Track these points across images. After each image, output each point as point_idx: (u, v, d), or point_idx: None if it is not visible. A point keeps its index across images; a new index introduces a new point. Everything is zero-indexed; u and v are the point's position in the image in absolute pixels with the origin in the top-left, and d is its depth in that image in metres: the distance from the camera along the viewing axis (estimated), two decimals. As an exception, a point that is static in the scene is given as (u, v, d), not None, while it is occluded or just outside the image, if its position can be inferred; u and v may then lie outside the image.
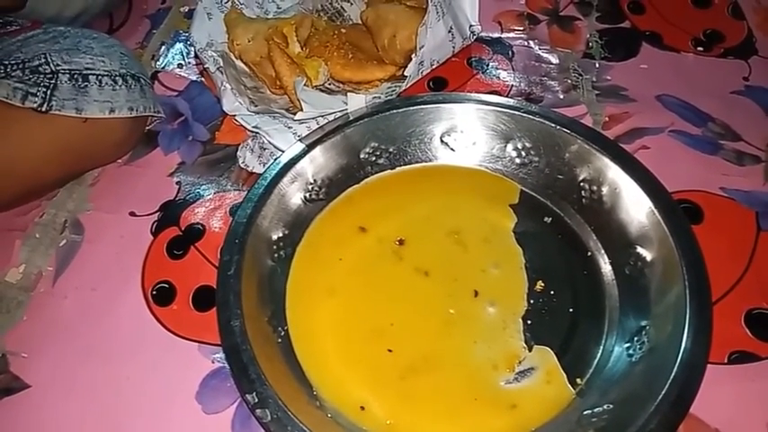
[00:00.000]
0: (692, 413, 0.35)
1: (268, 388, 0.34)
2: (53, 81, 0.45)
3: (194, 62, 0.59)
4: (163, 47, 0.61)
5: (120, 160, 0.52)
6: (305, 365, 0.38)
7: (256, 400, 0.33)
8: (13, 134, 0.44)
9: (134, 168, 0.52)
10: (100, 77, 0.47)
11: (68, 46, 0.48)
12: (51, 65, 0.45)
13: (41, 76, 0.45)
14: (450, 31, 0.52)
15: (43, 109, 0.44)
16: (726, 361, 0.38)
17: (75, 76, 0.46)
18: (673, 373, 0.33)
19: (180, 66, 0.59)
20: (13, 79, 0.44)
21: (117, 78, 0.48)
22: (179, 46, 0.61)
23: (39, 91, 0.44)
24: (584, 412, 0.35)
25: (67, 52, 0.47)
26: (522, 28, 0.60)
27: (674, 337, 0.34)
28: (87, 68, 0.47)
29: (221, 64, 0.54)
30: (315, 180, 0.45)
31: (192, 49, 0.59)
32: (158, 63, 0.60)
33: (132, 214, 0.48)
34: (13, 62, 0.45)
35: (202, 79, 0.58)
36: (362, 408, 0.36)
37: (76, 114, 0.45)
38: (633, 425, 0.32)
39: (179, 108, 0.56)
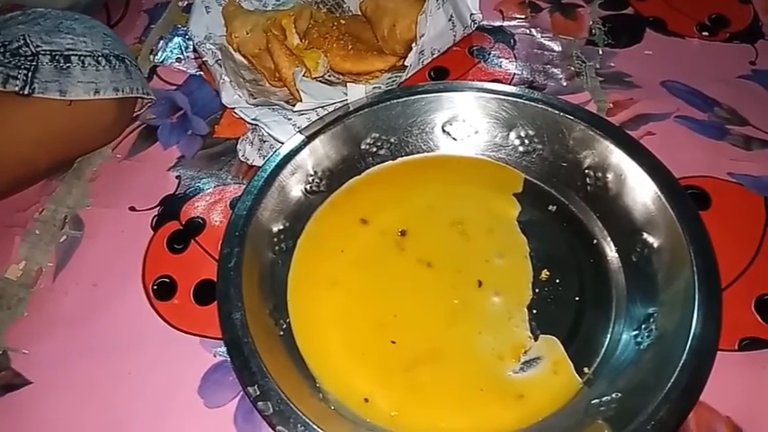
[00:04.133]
0: (703, 401, 0.34)
1: (270, 380, 0.33)
2: (34, 63, 0.44)
3: (193, 56, 0.59)
4: (161, 41, 0.61)
5: (119, 155, 0.52)
6: (307, 358, 0.38)
7: (258, 393, 0.33)
8: None
9: (133, 163, 0.51)
10: (82, 58, 0.46)
11: (49, 27, 0.47)
12: (31, 46, 0.45)
13: (22, 58, 0.44)
14: (450, 20, 0.52)
15: (25, 92, 0.43)
16: (736, 348, 0.37)
17: (57, 57, 0.45)
18: (682, 361, 0.32)
19: (178, 60, 0.59)
20: None
21: (100, 59, 0.47)
22: (177, 40, 0.61)
23: (20, 74, 0.43)
24: (592, 401, 0.34)
25: (48, 33, 0.46)
26: (523, 16, 0.59)
27: (683, 323, 0.34)
28: (69, 49, 0.46)
29: (220, 57, 0.54)
30: (315, 171, 0.45)
31: (191, 42, 0.58)
32: (157, 57, 0.59)
33: (132, 209, 0.48)
34: None
35: (201, 73, 0.57)
36: (366, 400, 0.36)
37: (60, 96, 0.45)
38: (642, 413, 0.31)
39: (178, 102, 0.55)
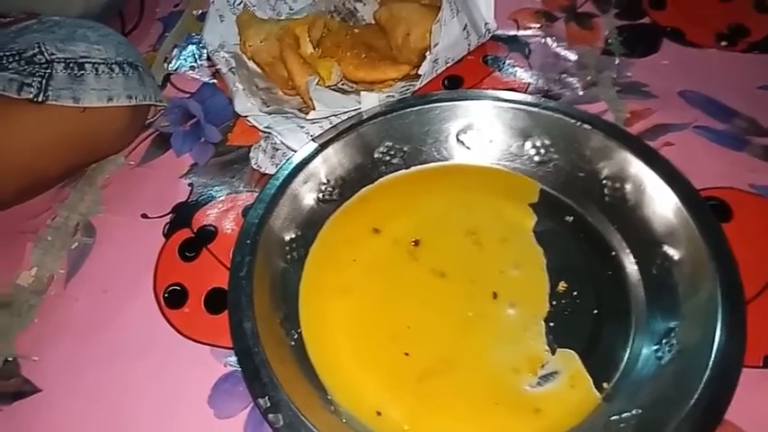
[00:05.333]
0: (727, 419, 0.33)
1: (281, 392, 0.33)
2: (48, 70, 0.44)
3: (206, 64, 0.59)
4: (175, 49, 0.61)
5: (131, 162, 0.52)
6: (319, 369, 0.37)
7: (269, 405, 0.32)
8: (10, 126, 0.44)
9: (146, 170, 0.51)
10: (96, 65, 0.47)
11: (63, 35, 0.47)
12: (46, 54, 0.45)
13: (36, 66, 0.45)
14: (464, 29, 0.51)
15: (39, 99, 0.44)
16: (761, 364, 0.36)
17: (71, 64, 0.45)
18: (705, 377, 0.31)
19: (192, 68, 0.59)
20: (9, 71, 0.44)
21: (113, 66, 0.47)
22: (191, 48, 0.61)
23: (34, 81, 0.44)
24: (612, 417, 0.33)
25: (62, 41, 0.46)
26: (538, 25, 0.59)
27: (706, 338, 0.33)
28: (83, 57, 0.46)
29: (233, 65, 0.54)
30: (328, 180, 0.44)
31: (205, 51, 0.58)
32: (171, 65, 0.60)
33: (144, 216, 0.48)
34: (8, 53, 0.45)
35: (215, 81, 0.57)
36: (379, 413, 0.35)
37: (74, 104, 0.45)
38: (664, 431, 0.30)
39: (191, 110, 0.55)
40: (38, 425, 0.39)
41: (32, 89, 0.44)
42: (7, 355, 0.42)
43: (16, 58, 0.45)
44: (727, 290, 0.34)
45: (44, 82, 0.44)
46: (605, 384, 0.35)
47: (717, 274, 0.35)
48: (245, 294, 0.37)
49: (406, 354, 0.37)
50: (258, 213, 0.41)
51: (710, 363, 0.32)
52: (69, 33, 0.48)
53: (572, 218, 0.43)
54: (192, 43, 0.62)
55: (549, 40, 0.57)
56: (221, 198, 0.48)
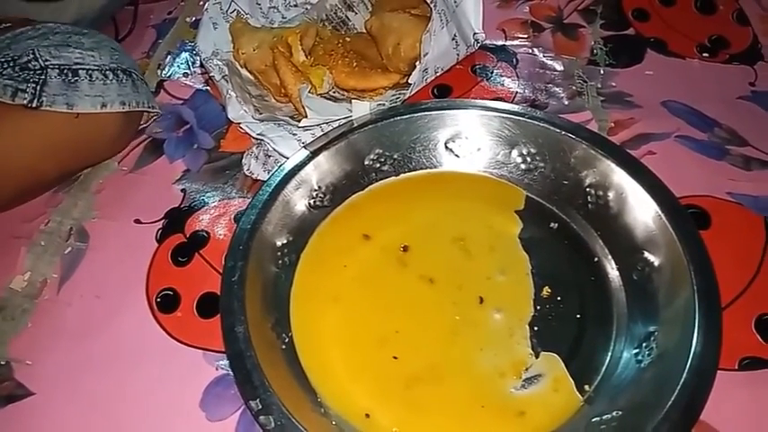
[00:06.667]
0: (703, 420, 0.34)
1: (272, 395, 0.33)
2: (42, 77, 0.45)
3: (200, 71, 0.60)
4: (169, 56, 0.62)
5: (125, 168, 0.52)
6: (309, 372, 0.38)
7: (260, 407, 0.33)
8: (4, 132, 0.45)
9: (139, 176, 0.52)
10: (90, 72, 0.47)
11: (58, 42, 0.48)
12: (40, 60, 0.46)
13: (31, 72, 0.45)
14: (454, 39, 0.52)
15: (33, 105, 0.44)
16: (737, 367, 0.37)
17: (65, 70, 0.46)
18: (682, 380, 0.32)
19: (185, 75, 0.60)
20: (4, 77, 0.44)
21: (107, 73, 0.48)
22: (185, 55, 0.62)
23: (28, 87, 0.44)
24: (593, 419, 0.34)
25: (57, 47, 0.47)
26: (526, 35, 0.60)
27: (684, 342, 0.34)
28: (77, 63, 0.47)
29: (226, 72, 0.54)
30: (319, 187, 0.45)
31: (198, 58, 0.59)
32: (164, 72, 0.60)
33: (137, 222, 0.49)
34: (2, 60, 0.46)
35: (208, 88, 0.58)
36: (367, 415, 0.36)
37: (68, 110, 0.45)
38: (643, 432, 0.31)
39: (184, 116, 0.56)
40: (31, 428, 0.39)
41: (27, 95, 0.44)
42: (0, 359, 0.42)
43: (11, 64, 0.45)
44: (704, 295, 0.35)
45: (38, 88, 0.45)
46: (587, 387, 0.36)
47: (695, 281, 0.36)
48: (237, 299, 0.38)
49: (395, 357, 0.38)
50: (250, 219, 0.41)
51: (688, 366, 0.33)
52: (64, 40, 0.49)
53: (556, 225, 0.44)
54: (186, 50, 0.62)
55: (536, 50, 0.59)
56: (214, 204, 0.49)
